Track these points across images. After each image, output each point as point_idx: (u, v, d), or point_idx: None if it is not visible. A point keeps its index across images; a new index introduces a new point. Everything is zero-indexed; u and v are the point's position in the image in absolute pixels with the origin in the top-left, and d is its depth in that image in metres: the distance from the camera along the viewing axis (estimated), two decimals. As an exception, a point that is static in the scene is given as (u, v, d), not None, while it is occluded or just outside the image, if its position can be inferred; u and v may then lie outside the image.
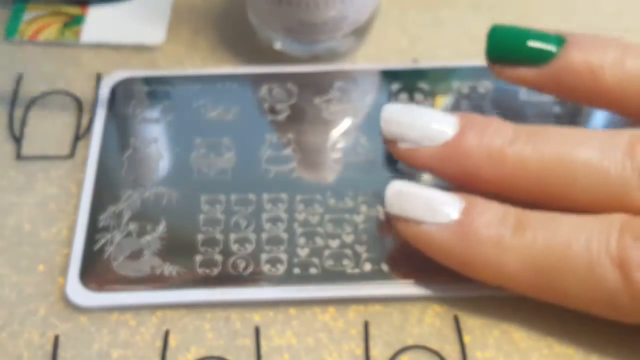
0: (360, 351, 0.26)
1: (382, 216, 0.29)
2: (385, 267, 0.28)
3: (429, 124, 0.27)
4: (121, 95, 0.33)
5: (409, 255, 0.27)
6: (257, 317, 0.27)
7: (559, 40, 0.28)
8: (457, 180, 0.27)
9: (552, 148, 0.26)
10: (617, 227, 0.24)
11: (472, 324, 0.27)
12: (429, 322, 0.27)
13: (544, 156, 0.26)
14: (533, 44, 0.28)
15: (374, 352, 0.26)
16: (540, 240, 0.24)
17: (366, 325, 0.27)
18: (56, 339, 0.27)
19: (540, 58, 0.28)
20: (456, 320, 0.27)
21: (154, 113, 0.33)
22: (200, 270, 0.28)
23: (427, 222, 0.26)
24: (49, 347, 0.27)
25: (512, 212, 0.25)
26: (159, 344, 0.27)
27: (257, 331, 0.27)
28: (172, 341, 0.27)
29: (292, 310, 0.27)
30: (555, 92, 0.29)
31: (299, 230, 0.29)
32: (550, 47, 0.28)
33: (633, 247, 0.23)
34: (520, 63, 0.29)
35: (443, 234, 0.25)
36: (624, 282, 0.23)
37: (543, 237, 0.24)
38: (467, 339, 0.26)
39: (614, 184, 0.25)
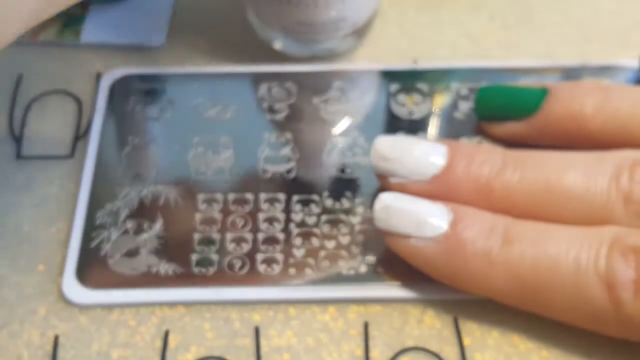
0: (360, 352, 0.26)
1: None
2: (380, 269, 0.28)
3: (417, 159, 0.27)
4: (120, 92, 0.33)
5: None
6: (256, 317, 0.27)
7: (542, 92, 0.29)
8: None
9: (538, 176, 0.26)
10: (607, 243, 0.24)
11: (472, 325, 0.27)
12: (429, 324, 0.27)
13: (531, 186, 0.26)
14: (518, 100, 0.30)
15: (374, 352, 0.26)
16: (528, 255, 0.24)
17: (366, 326, 0.27)
18: (56, 339, 0.27)
19: (525, 113, 0.29)
20: (456, 322, 0.27)
21: (152, 111, 0.33)
22: (196, 270, 0.28)
23: (414, 237, 0.26)
24: (49, 347, 0.27)
25: (501, 223, 0.26)
26: (158, 343, 0.27)
27: (257, 331, 0.27)
28: (172, 341, 0.27)
29: (292, 310, 0.27)
30: (543, 141, 0.29)
31: (296, 230, 0.29)
32: (534, 102, 0.29)
33: (621, 265, 0.23)
34: (507, 119, 0.30)
35: (430, 248, 0.26)
36: (610, 301, 0.23)
37: (531, 252, 0.24)
38: (466, 340, 0.26)
39: (600, 210, 0.25)
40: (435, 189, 0.27)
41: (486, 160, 0.27)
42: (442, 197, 0.27)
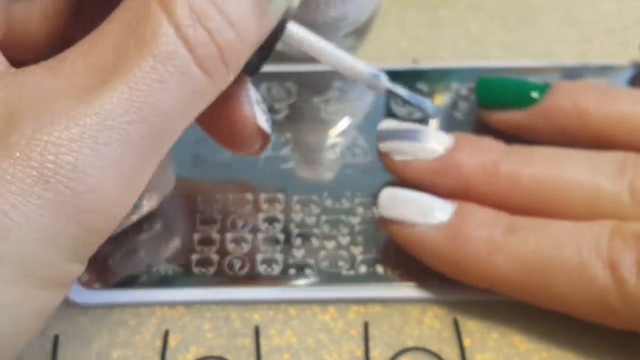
0: (360, 352, 0.26)
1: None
2: (380, 269, 0.28)
3: (424, 137, 0.27)
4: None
5: (405, 258, 0.28)
6: (256, 316, 0.27)
7: (543, 86, 0.29)
8: (450, 193, 0.27)
9: (544, 164, 0.26)
10: (608, 232, 0.24)
11: (472, 326, 0.27)
12: (429, 324, 0.27)
13: (537, 171, 0.26)
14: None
15: (374, 353, 0.26)
16: (531, 241, 0.25)
17: (366, 326, 0.27)
18: (56, 339, 0.27)
19: (527, 101, 0.29)
20: (456, 323, 0.27)
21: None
22: (195, 270, 0.28)
23: (419, 224, 0.26)
24: (48, 347, 0.27)
25: (504, 215, 0.26)
26: (158, 343, 0.27)
27: (257, 331, 0.27)
28: (172, 341, 0.27)
29: (292, 310, 0.27)
30: (543, 132, 0.29)
31: (295, 231, 0.29)
32: (537, 90, 0.29)
33: (623, 249, 0.23)
34: (509, 107, 0.30)
35: (435, 234, 0.26)
36: (614, 281, 0.23)
37: (534, 238, 0.25)
38: (466, 341, 0.26)
39: (606, 198, 0.25)
40: (440, 168, 0.27)
41: (492, 147, 0.27)
42: (446, 177, 0.27)
